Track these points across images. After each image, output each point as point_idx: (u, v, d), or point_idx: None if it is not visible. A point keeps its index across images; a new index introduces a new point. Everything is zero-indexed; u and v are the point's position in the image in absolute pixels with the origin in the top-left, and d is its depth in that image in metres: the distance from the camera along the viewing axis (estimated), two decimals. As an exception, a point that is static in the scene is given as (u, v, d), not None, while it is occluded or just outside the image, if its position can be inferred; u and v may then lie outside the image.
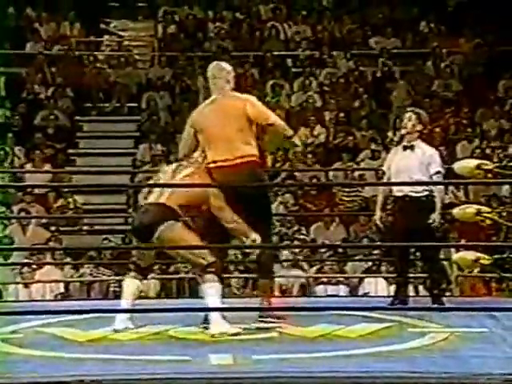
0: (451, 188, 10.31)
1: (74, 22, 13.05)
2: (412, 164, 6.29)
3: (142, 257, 5.34)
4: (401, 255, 6.43)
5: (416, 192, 6.28)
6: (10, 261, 9.19)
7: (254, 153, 5.30)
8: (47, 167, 10.99)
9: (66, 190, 10.63)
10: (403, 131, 6.38)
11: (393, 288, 9.01)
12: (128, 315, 5.23)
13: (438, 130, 11.59)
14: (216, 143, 5.29)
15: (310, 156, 11.20)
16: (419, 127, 6.39)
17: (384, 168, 6.55)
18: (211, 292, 5.16)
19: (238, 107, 5.33)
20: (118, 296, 9.19)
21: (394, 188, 6.38)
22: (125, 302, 5.28)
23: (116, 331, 5.19)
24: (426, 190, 6.30)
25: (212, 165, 5.29)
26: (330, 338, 5.14)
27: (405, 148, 6.37)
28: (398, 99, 12.05)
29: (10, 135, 11.46)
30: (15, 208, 10.33)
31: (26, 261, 9.31)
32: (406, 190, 6.31)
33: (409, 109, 6.66)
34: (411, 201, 6.28)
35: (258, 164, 5.33)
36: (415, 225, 6.23)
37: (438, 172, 6.33)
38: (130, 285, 5.31)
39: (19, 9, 13.01)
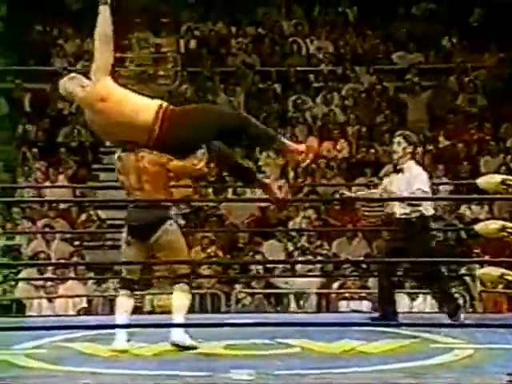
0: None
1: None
2: (401, 185, 6.35)
3: (133, 271, 5.35)
4: (386, 273, 6.48)
5: (406, 214, 6.32)
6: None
7: None
8: (70, 183, 11.05)
9: (88, 204, 10.67)
10: (395, 156, 6.46)
11: (416, 303, 8.99)
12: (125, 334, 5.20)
13: (461, 145, 11.56)
14: None
15: (334, 170, 11.21)
16: (410, 149, 6.44)
17: (380, 190, 6.60)
18: (183, 302, 5.22)
19: None
20: (138, 311, 9.24)
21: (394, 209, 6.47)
22: (122, 319, 5.25)
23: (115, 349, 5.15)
24: (416, 211, 6.31)
25: None
26: (353, 353, 5.12)
27: (397, 171, 6.45)
28: (418, 114, 12.04)
29: (35, 150, 11.56)
30: (39, 223, 10.39)
31: (49, 275, 9.36)
32: (397, 212, 6.39)
33: (397, 133, 6.68)
34: (403, 222, 6.33)
35: None
36: (408, 246, 6.26)
37: (418, 189, 6.32)
38: (125, 302, 5.30)
39: (44, 25, 13.14)
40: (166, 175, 5.23)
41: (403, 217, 6.34)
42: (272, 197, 5.37)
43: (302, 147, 5.19)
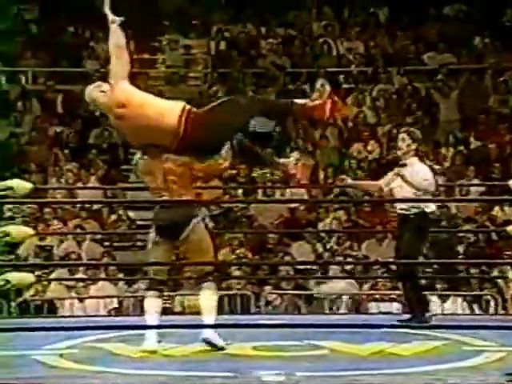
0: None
1: (128, 40, 13.17)
2: (402, 181, 6.33)
3: (161, 271, 5.37)
4: (404, 274, 6.47)
5: (406, 210, 6.30)
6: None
7: None
8: (101, 184, 11.13)
9: (118, 205, 10.73)
10: (399, 152, 6.45)
11: (446, 305, 8.92)
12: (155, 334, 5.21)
13: (492, 146, 11.47)
14: None
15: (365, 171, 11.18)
16: (414, 146, 6.42)
17: (382, 184, 6.59)
18: (211, 303, 5.21)
19: None
20: (168, 312, 9.28)
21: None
22: (152, 319, 5.28)
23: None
24: (415, 207, 6.28)
25: None
26: (382, 355, 5.10)
27: (400, 166, 6.43)
28: (449, 115, 11.97)
29: (66, 152, 11.66)
30: (71, 224, 10.47)
31: (80, 276, 9.43)
32: (398, 207, 6.41)
33: (402, 129, 6.68)
34: (403, 218, 6.30)
35: None
36: (404, 242, 6.25)
37: (425, 180, 6.28)
38: (153, 303, 5.32)
39: (76, 27, 13.25)
40: (191, 175, 5.27)
41: (401, 212, 6.33)
42: (290, 176, 5.42)
43: (315, 103, 5.23)
